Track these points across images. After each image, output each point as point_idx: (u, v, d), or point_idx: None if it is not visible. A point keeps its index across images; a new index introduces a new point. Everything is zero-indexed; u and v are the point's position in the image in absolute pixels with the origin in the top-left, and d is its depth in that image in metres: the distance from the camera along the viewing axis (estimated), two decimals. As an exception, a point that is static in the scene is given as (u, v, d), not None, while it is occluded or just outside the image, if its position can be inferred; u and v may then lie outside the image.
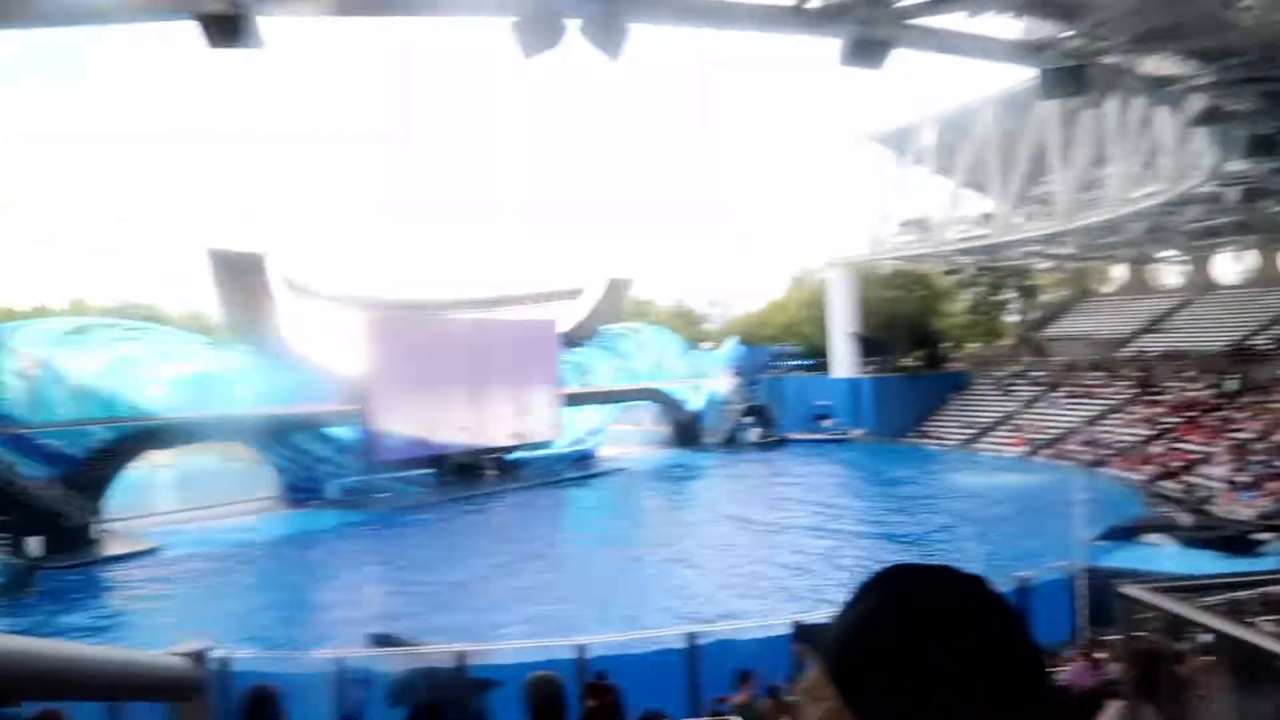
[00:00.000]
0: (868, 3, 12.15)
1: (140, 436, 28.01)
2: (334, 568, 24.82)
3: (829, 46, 12.84)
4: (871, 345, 52.81)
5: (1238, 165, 21.90)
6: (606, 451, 45.51)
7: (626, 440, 49.65)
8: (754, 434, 50.48)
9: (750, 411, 50.94)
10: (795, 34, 13.22)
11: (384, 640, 13.59)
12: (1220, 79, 16.11)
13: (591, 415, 44.11)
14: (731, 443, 49.32)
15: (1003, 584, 16.39)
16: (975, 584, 0.84)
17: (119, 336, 28.71)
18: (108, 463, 27.02)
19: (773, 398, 53.62)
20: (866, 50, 12.40)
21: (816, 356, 55.15)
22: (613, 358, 45.62)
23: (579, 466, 41.19)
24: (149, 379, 28.25)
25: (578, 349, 43.64)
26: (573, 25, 11.07)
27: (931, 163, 46.57)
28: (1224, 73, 15.98)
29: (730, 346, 54.03)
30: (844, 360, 52.93)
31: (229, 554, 25.65)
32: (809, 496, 34.20)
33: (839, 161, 54.54)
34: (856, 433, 51.02)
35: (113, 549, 25.76)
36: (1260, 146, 18.15)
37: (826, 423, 52.39)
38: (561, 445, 41.36)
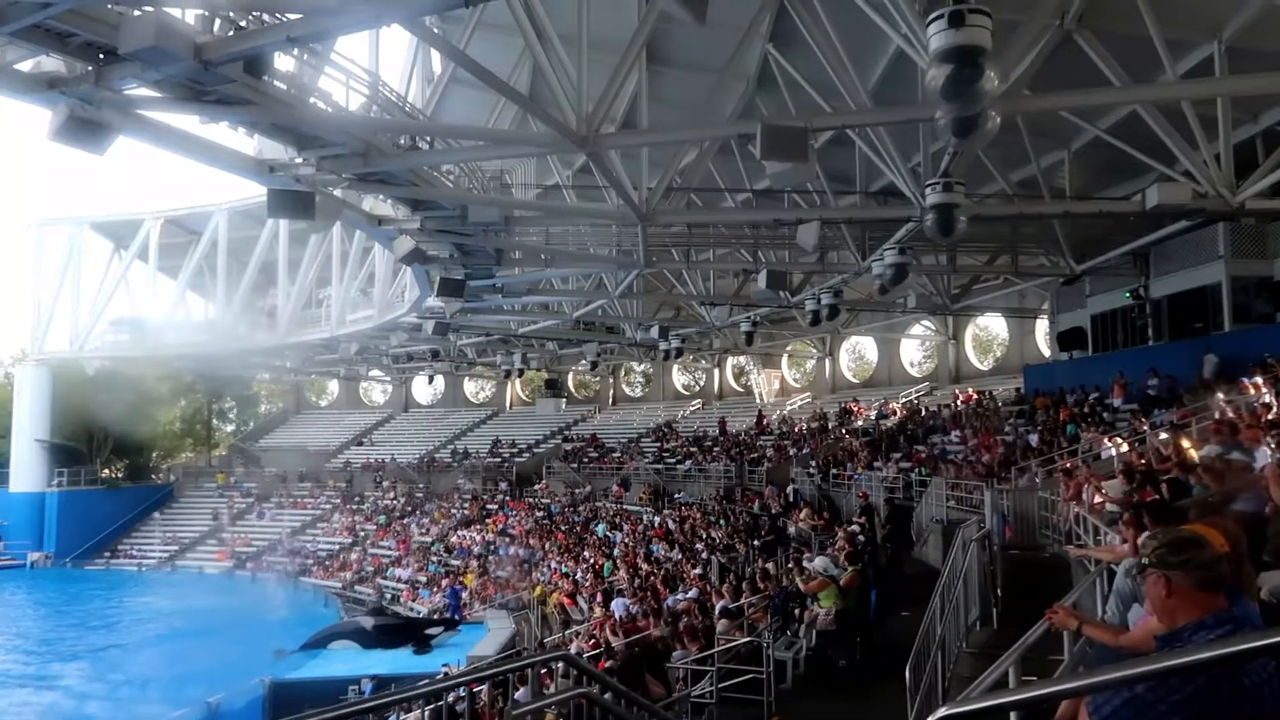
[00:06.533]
0: (90, 81, 10.94)
1: None
2: None
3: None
4: (65, 453, 46.23)
5: (433, 302, 25.41)
6: None
7: None
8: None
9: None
10: (4, 95, 11.37)
11: None
12: (424, 227, 18.65)
13: None
14: None
15: (193, 710, 15.34)
16: None
17: None
18: None
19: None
20: (85, 130, 11.07)
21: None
22: None
23: None
24: None
25: None
26: None
27: (155, 261, 43.63)
28: (427, 222, 18.57)
29: None
30: (28, 470, 45.12)
31: None
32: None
33: (37, 245, 47.50)
34: (36, 556, 43.54)
35: None
36: (450, 288, 21.37)
37: (-3, 545, 43.74)
38: None
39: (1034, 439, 20.65)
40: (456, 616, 25.55)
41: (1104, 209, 18.39)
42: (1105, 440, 17.50)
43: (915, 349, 44.19)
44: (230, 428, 62.83)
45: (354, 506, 45.24)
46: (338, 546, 41.28)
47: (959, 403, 29.86)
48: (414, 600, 31.35)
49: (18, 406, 46.49)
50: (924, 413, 30.31)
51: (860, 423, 32.35)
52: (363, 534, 41.92)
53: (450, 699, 7.86)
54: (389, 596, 32.74)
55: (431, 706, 9.49)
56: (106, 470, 50.71)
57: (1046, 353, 32.12)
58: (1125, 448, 15.94)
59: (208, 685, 18.19)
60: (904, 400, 35.11)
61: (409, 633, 23.41)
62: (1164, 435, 13.66)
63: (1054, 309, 28.70)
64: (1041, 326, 33.39)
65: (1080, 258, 23.02)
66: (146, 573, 42.43)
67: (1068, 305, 27.04)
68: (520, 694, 7.99)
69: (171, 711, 16.71)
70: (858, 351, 47.36)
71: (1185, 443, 10.57)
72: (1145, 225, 19.70)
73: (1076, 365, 25.71)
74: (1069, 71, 14.04)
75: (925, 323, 38.87)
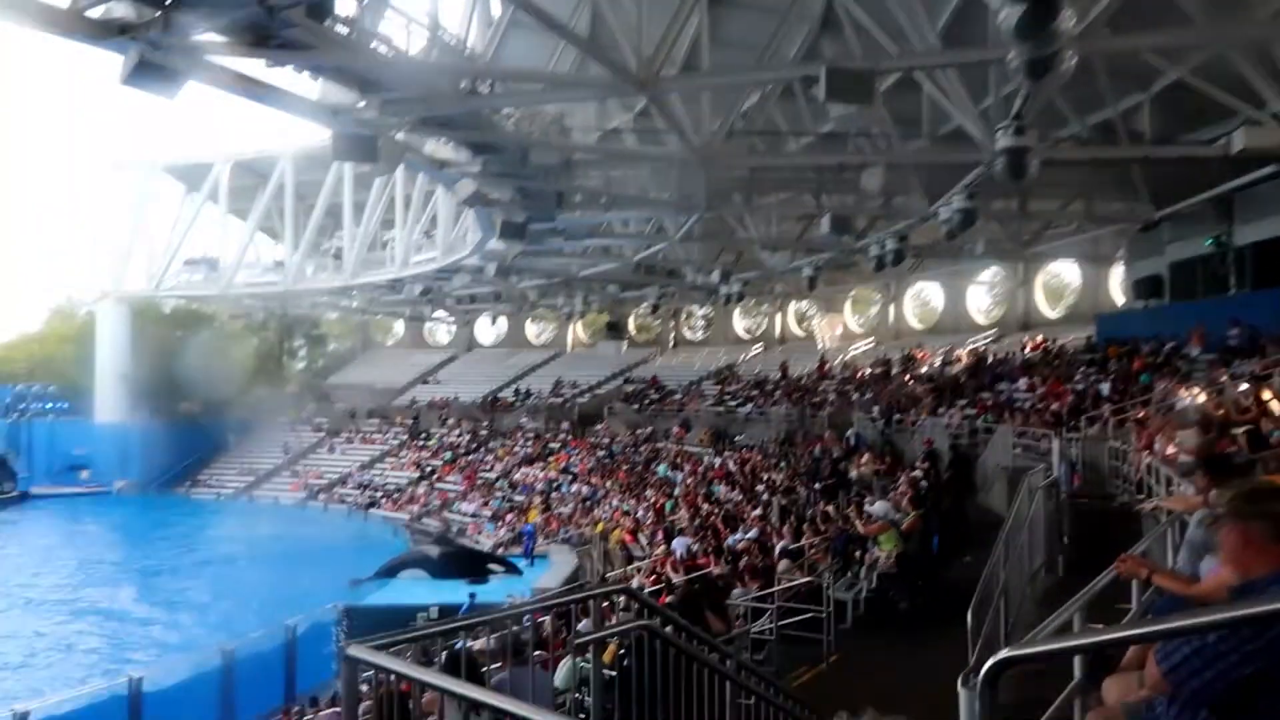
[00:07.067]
0: (159, 26, 11.18)
1: None
2: None
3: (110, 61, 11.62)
4: (147, 388, 48.16)
5: (495, 245, 25.62)
6: None
7: None
8: (-19, 487, 41.75)
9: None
10: (77, 41, 11.67)
11: None
12: (485, 170, 18.75)
13: None
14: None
15: (272, 633, 16.14)
16: None
17: None
18: None
19: (14, 446, 45.22)
20: (155, 75, 11.38)
21: (79, 398, 48.16)
22: None
23: None
24: None
25: None
26: None
27: (225, 203, 44.65)
28: (488, 165, 18.66)
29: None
30: (112, 403, 47.20)
31: None
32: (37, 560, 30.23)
33: (113, 187, 49.03)
34: (121, 484, 45.75)
35: None
36: (512, 231, 21.54)
37: (84, 474, 45.95)
38: None
39: (1105, 388, 20.18)
40: (528, 556, 26.07)
41: (1186, 154, 17.64)
42: (1181, 390, 17.04)
43: (983, 295, 43.20)
44: (300, 365, 64.55)
45: (420, 443, 46.41)
46: (405, 481, 42.50)
47: (1028, 350, 29.26)
48: (479, 534, 32.26)
49: (100, 342, 48.44)
50: (991, 359, 29.77)
51: (925, 369, 31.93)
52: (429, 469, 43.06)
53: (515, 628, 8.17)
54: (455, 530, 33.73)
55: (497, 634, 9.87)
56: (185, 403, 52.64)
57: (1120, 301, 31.18)
58: (1202, 398, 15.52)
59: (286, 608, 19.09)
60: (970, 347, 34.49)
61: (472, 562, 24.13)
62: (1244, 386, 13.27)
63: (1130, 256, 27.75)
64: (1116, 273, 32.37)
65: (1159, 203, 22.17)
66: (224, 502, 44.33)
67: (1144, 252, 26.12)
68: (583, 625, 8.25)
69: (253, 632, 17.57)
70: (923, 298, 46.48)
71: (1267, 394, 10.28)
72: (1229, 170, 18.84)
73: (1152, 314, 24.92)
74: (1151, 10, 13.38)
75: (995, 268, 37.93)
